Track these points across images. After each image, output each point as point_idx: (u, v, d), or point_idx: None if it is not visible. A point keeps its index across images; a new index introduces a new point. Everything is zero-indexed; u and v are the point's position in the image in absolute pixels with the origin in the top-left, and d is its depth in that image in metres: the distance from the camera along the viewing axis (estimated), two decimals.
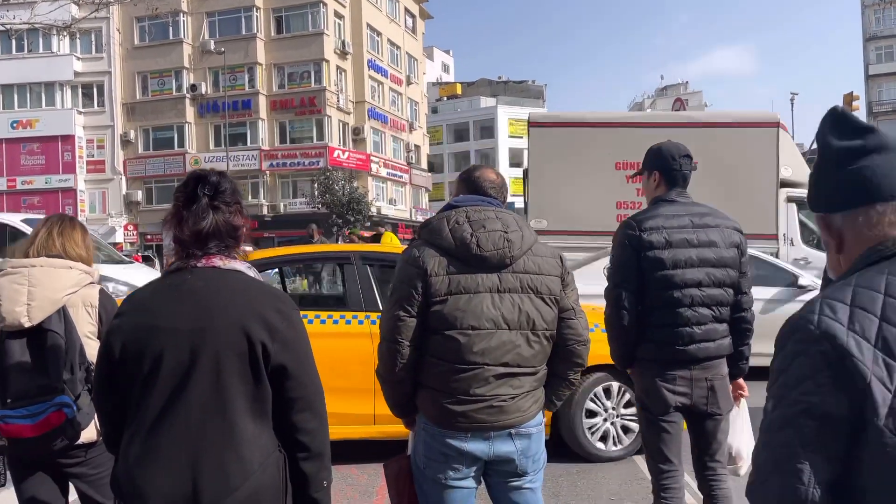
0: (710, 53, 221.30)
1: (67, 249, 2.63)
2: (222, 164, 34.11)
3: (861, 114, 32.01)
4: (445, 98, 73.24)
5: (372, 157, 41.17)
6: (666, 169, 2.86)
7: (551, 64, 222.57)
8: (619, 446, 4.91)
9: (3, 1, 27.74)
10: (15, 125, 36.90)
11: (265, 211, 37.97)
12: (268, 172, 38.50)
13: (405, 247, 2.46)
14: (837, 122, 1.23)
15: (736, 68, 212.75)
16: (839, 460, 1.05)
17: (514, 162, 67.11)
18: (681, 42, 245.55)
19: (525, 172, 11.02)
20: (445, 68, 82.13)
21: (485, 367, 2.20)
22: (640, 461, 4.56)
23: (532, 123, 10.55)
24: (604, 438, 4.90)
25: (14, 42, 35.48)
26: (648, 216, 2.80)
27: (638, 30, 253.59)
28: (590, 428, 4.86)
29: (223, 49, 35.05)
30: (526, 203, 10.72)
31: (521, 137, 66.52)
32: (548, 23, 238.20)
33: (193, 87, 37.89)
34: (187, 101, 38.08)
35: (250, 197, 37.98)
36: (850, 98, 24.07)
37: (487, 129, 67.72)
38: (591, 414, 4.87)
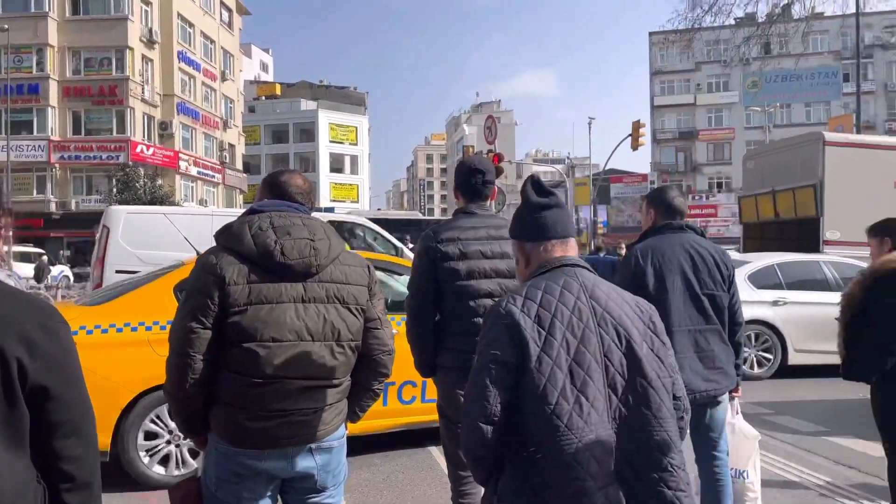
0: (519, 75, 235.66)
1: None
2: (2, 154, 30.16)
3: (647, 139, 35.82)
4: (264, 98, 70.93)
5: (181, 155, 38.68)
6: (463, 183, 2.98)
7: (374, 73, 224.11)
8: (183, 470, 4.56)
9: None
10: None
11: (53, 208, 34.16)
12: (58, 165, 34.70)
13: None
14: (535, 184, 2.00)
15: (542, 91, 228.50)
16: (510, 389, 1.71)
17: (335, 167, 66.70)
18: (494, 62, 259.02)
19: (819, 185, 12.22)
20: (264, 67, 79.52)
21: (286, 380, 2.13)
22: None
23: (827, 143, 12.24)
24: (165, 461, 4.56)
25: None
26: (447, 228, 2.90)
27: (456, 47, 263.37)
28: (149, 450, 4.50)
29: (7, 26, 31.06)
30: (819, 215, 12.04)
31: (342, 143, 66.62)
32: (372, 32, 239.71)
33: None
34: None
35: (35, 192, 34.00)
36: (637, 125, 26.83)
37: (307, 133, 66.55)
38: (152, 436, 4.51)
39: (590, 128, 49.16)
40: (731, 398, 3.45)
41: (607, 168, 39.54)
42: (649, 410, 1.74)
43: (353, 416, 2.41)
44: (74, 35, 34.61)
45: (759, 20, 18.15)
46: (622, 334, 1.78)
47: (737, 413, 3.51)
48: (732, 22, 20.35)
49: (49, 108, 34.29)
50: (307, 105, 68.75)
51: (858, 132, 22.04)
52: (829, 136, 13.30)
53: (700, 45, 41.22)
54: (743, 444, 3.47)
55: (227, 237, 2.19)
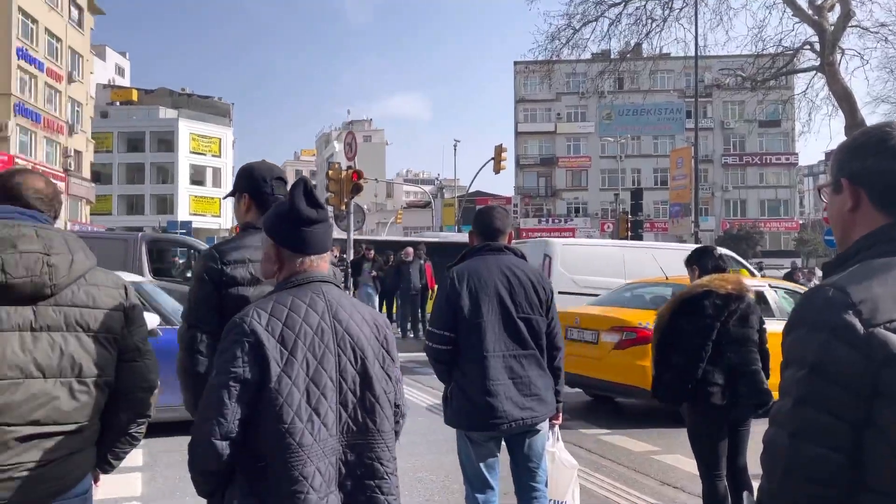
0: (392, 96, 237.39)
1: None
2: None
3: (510, 164, 37.04)
4: (118, 103, 66.47)
5: (16, 159, 35.19)
6: (257, 192, 2.54)
7: (243, 86, 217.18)
8: None
9: None
10: None
11: None
12: None
13: None
14: (308, 194, 1.92)
15: (414, 114, 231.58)
16: (248, 405, 1.72)
17: (196, 179, 63.48)
18: (367, 82, 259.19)
19: None
20: (120, 71, 74.61)
21: (4, 427, 1.75)
22: None
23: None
24: None
25: None
26: (232, 247, 2.44)
27: (328, 64, 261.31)
28: None
29: None
30: None
31: (205, 154, 63.58)
32: (237, 42, 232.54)
33: None
34: None
35: None
36: (500, 150, 27.57)
37: (166, 143, 63.02)
38: None
39: (455, 150, 50.33)
40: (551, 426, 3.38)
41: (473, 190, 40.45)
42: (374, 424, 1.88)
43: (104, 467, 2.06)
44: None
45: (612, 56, 19.32)
46: (358, 354, 1.89)
47: (557, 441, 3.45)
48: (589, 56, 21.58)
49: None
50: (166, 113, 65.13)
51: (696, 165, 23.92)
52: None
53: (560, 77, 43.38)
54: (562, 474, 3.41)
55: None
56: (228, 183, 64.36)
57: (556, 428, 3.44)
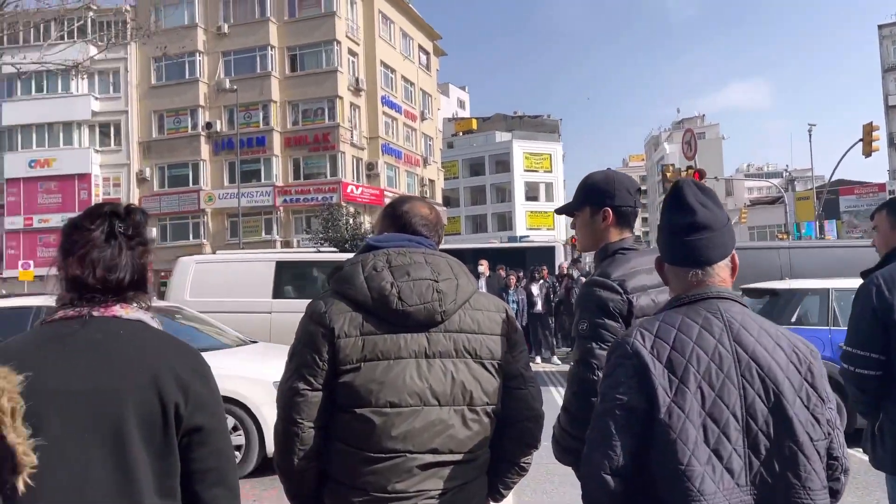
0: (724, 88, 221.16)
1: None
2: (235, 200, 34.13)
3: (882, 143, 31.17)
4: (461, 133, 73.51)
5: (386, 192, 41.04)
6: (621, 205, 2.17)
7: (565, 99, 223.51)
8: None
9: (18, 43, 28.32)
10: (33, 164, 37.35)
11: (278, 247, 37.83)
12: (281, 208, 38.46)
13: None
14: (688, 193, 1.64)
15: (751, 102, 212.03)
16: (638, 437, 1.49)
17: (530, 195, 67.00)
18: (694, 78, 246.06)
19: None
20: (461, 104, 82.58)
21: (407, 455, 1.74)
22: None
23: None
24: None
25: (34, 83, 36.20)
26: (624, 273, 2.05)
27: (652, 66, 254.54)
28: None
29: (237, 87, 35.35)
30: None
31: (537, 171, 66.79)
32: (561, 61, 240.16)
33: (209, 125, 38.16)
34: (202, 139, 38.32)
35: (264, 233, 37.86)
36: (870, 128, 23.46)
37: (503, 164, 67.62)
38: None
39: (810, 136, 44.45)
40: None
41: (834, 179, 35.17)
42: (798, 480, 1.49)
43: (496, 496, 1.97)
44: (293, 90, 38.35)
45: None
46: (770, 388, 1.52)
47: None
48: None
49: (273, 157, 38.21)
50: (502, 137, 69.96)
51: None
52: None
53: None
54: None
55: (338, 280, 1.85)
56: (560, 197, 66.51)
57: None
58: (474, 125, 74.57)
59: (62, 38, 24.87)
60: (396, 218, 1.97)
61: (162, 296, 20.63)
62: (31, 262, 28.54)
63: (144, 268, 1.50)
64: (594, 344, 1.96)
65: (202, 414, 1.41)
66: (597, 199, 2.19)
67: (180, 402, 1.38)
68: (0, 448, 0.96)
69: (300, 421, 1.75)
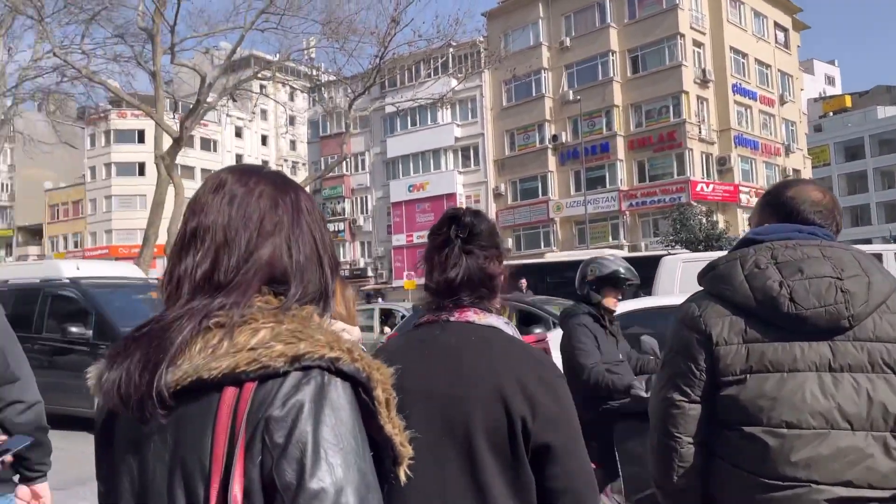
0: None
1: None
2: (581, 208, 34.93)
3: None
4: (831, 113, 64.46)
5: (741, 188, 37.88)
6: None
7: None
8: None
9: (396, 86, 33.14)
10: (411, 188, 43.64)
11: (626, 252, 37.58)
12: (627, 213, 38.18)
13: None
14: None
15: None
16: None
17: None
18: None
19: None
20: (830, 80, 72.50)
21: (812, 486, 1.43)
22: None
23: None
24: None
25: (409, 118, 42.23)
26: None
27: None
28: None
29: (580, 97, 36.22)
30: None
31: None
32: None
33: (555, 138, 39.85)
34: (549, 152, 40.14)
35: (610, 238, 38.03)
36: None
37: (888, 143, 57.24)
38: None
39: None
40: None
41: None
42: None
43: None
44: (635, 92, 37.90)
45: None
46: None
47: None
48: None
49: (617, 162, 38.18)
50: (885, 112, 59.34)
51: None
52: None
53: None
54: None
55: (713, 279, 1.62)
56: None
57: None
58: (848, 102, 64.72)
59: (429, 75, 28.41)
60: (780, 205, 1.67)
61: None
62: (413, 273, 33.17)
63: (484, 271, 1.47)
64: None
65: (550, 431, 1.32)
66: None
67: (527, 417, 1.33)
68: (380, 439, 0.96)
69: (678, 435, 1.58)
